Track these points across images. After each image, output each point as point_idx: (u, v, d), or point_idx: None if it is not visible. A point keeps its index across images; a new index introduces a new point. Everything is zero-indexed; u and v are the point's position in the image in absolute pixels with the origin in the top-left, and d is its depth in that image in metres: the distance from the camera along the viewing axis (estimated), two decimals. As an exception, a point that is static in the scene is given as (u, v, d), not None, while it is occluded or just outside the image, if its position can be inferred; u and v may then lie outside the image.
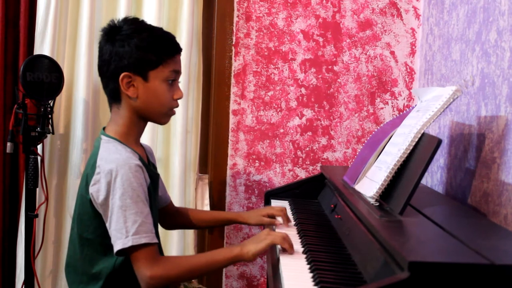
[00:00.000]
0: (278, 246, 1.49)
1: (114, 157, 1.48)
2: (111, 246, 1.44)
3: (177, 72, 1.60)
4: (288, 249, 1.45)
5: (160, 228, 1.85)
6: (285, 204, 2.06)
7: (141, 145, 1.66)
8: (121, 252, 1.42)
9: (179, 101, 1.62)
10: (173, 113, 1.63)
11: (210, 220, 1.94)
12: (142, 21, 1.61)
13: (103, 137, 1.56)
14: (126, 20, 1.58)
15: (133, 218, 1.42)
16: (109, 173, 1.45)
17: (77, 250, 1.55)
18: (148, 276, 1.40)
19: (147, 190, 1.51)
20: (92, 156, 1.55)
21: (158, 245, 1.66)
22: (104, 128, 1.60)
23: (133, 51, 1.52)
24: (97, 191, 1.46)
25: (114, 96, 1.57)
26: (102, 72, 1.58)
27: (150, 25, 1.61)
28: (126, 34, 1.53)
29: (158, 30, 1.61)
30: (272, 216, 1.81)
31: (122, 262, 1.47)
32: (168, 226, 1.93)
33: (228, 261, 1.50)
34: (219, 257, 1.50)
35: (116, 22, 1.58)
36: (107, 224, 1.46)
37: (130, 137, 1.58)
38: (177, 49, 1.60)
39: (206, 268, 1.51)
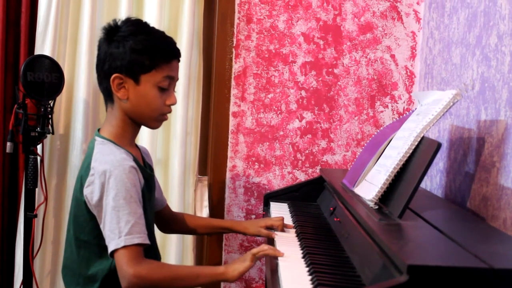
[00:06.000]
0: (278, 247, 1.50)
1: (108, 158, 1.48)
2: (106, 248, 1.44)
3: (172, 78, 1.56)
4: (275, 254, 1.46)
5: (159, 232, 1.84)
6: (284, 206, 2.06)
7: (136, 146, 1.65)
8: (115, 252, 1.42)
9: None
10: (165, 118, 1.60)
11: (208, 226, 1.91)
12: (143, 23, 1.59)
13: (97, 138, 1.55)
14: (127, 20, 1.57)
15: (126, 219, 1.41)
16: (103, 174, 1.44)
17: (73, 252, 1.55)
18: (132, 274, 1.38)
19: (141, 192, 1.50)
20: (87, 157, 1.54)
21: (155, 248, 1.66)
22: (99, 130, 1.59)
23: (126, 53, 1.50)
24: (91, 192, 1.45)
25: (107, 95, 1.57)
26: (97, 70, 1.58)
27: (150, 28, 1.58)
28: (122, 35, 1.52)
29: (157, 34, 1.58)
30: (271, 228, 1.77)
31: (117, 264, 1.47)
32: (164, 230, 1.92)
33: (211, 278, 1.48)
34: (203, 272, 1.49)
35: (117, 22, 1.56)
36: (101, 225, 1.45)
37: (125, 139, 1.57)
38: (174, 55, 1.57)
39: (188, 280, 1.47)
